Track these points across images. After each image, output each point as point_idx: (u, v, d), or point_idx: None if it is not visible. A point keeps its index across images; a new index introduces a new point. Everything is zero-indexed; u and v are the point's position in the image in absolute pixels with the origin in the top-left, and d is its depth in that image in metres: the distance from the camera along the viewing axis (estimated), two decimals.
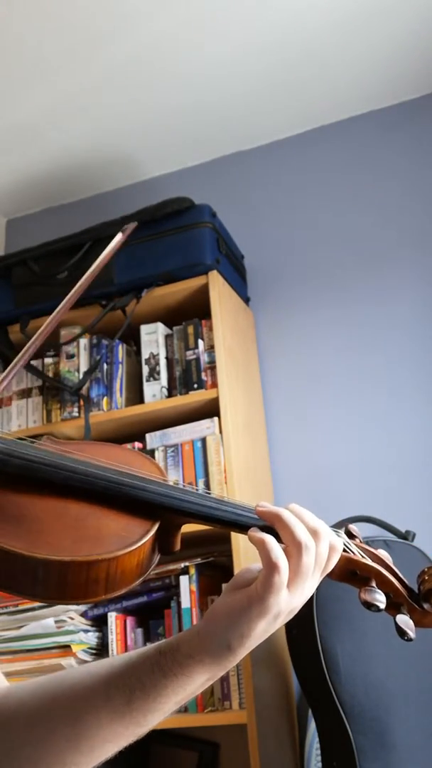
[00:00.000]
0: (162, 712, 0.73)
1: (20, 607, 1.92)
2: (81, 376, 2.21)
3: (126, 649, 1.91)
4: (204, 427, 2.04)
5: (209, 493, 0.78)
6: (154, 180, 2.78)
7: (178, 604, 1.89)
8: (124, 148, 2.65)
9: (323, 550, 0.72)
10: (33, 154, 2.64)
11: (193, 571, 1.90)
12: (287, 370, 2.39)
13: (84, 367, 2.23)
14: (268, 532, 0.72)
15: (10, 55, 2.21)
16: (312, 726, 1.88)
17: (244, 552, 1.87)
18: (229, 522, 0.76)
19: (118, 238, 1.03)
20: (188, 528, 0.78)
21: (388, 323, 2.31)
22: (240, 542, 1.87)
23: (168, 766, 2.05)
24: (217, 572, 1.98)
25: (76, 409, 2.18)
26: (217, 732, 2.02)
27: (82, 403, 2.18)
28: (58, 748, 0.74)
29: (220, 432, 2.00)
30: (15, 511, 0.72)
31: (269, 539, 0.70)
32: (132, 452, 0.88)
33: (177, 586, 1.90)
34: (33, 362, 2.30)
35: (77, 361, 2.24)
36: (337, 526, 0.81)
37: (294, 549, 0.70)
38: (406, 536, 1.88)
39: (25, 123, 2.49)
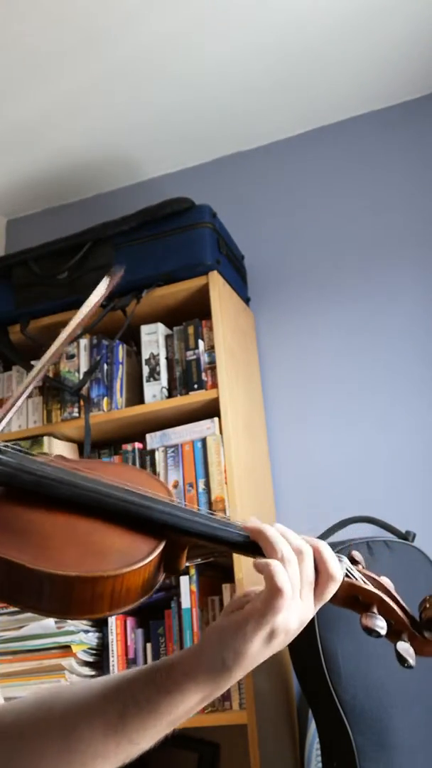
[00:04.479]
0: (155, 730, 0.73)
1: None
2: (81, 376, 2.21)
3: (126, 649, 1.92)
4: (204, 427, 2.04)
5: (214, 514, 0.79)
6: (154, 180, 2.78)
7: (179, 604, 1.89)
8: (124, 148, 2.65)
9: (307, 568, 0.73)
10: (33, 154, 2.64)
11: (193, 571, 1.90)
12: (287, 370, 2.39)
13: (84, 367, 2.23)
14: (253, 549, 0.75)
15: (10, 55, 2.21)
16: (312, 726, 1.88)
17: None
18: (232, 543, 0.77)
19: (104, 283, 0.95)
20: None
21: (388, 323, 2.31)
22: None
23: (168, 767, 2.05)
24: (217, 573, 1.98)
25: (76, 410, 2.18)
26: (217, 732, 2.02)
27: (82, 403, 2.18)
28: (50, 760, 0.74)
29: (221, 432, 2.00)
30: (21, 524, 0.72)
31: (275, 563, 0.71)
32: (140, 471, 0.90)
33: (177, 586, 1.90)
34: (33, 362, 2.30)
35: (77, 362, 2.24)
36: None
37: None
38: (406, 536, 1.88)
39: (25, 123, 2.49)
